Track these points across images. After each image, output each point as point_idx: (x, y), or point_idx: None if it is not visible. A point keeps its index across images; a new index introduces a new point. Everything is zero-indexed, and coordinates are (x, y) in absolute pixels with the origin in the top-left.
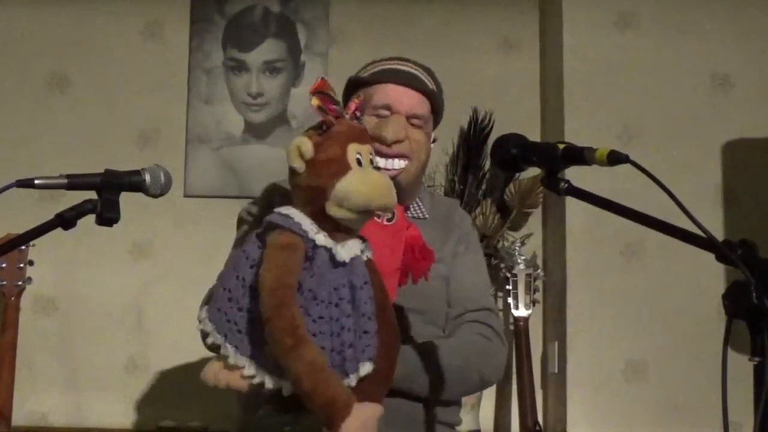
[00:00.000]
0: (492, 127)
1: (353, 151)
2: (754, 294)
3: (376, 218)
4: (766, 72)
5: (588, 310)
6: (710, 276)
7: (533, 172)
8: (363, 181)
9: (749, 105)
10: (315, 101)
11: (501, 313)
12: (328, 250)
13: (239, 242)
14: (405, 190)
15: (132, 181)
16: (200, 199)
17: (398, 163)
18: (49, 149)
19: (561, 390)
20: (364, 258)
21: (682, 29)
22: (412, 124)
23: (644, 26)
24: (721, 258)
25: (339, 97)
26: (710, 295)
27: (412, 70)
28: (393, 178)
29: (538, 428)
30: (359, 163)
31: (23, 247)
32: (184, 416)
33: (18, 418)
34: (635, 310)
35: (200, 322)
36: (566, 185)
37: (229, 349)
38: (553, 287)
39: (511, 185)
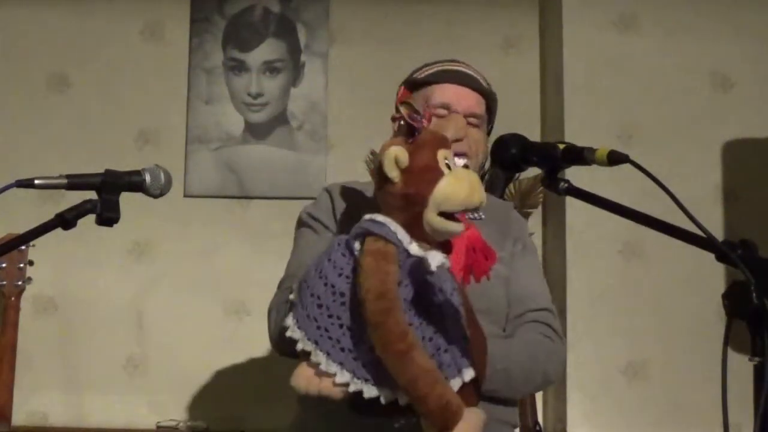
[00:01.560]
0: (492, 127)
1: (443, 156)
2: (754, 294)
3: None
4: (766, 72)
5: (588, 310)
6: (710, 276)
7: (533, 172)
8: (458, 181)
9: (749, 105)
10: (405, 110)
11: None
12: (419, 259)
13: (304, 244)
14: None
15: (132, 181)
16: (200, 199)
17: (459, 162)
18: (49, 149)
19: (561, 390)
20: (448, 264)
21: (682, 29)
22: (470, 123)
23: (644, 26)
24: (721, 258)
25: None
26: (710, 295)
27: (469, 71)
28: None
29: (538, 428)
30: (448, 167)
31: (23, 247)
32: (184, 416)
33: (18, 418)
34: (635, 310)
35: (288, 329)
36: (566, 185)
37: (320, 356)
38: (553, 287)
39: (511, 185)
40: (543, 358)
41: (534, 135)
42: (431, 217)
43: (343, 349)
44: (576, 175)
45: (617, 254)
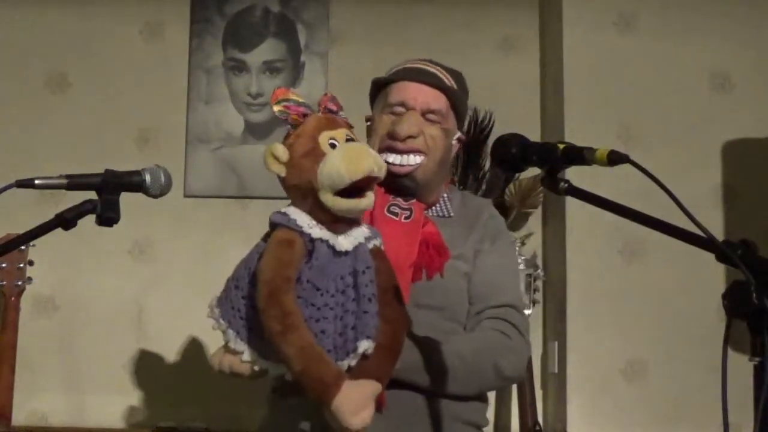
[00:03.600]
0: (492, 127)
1: (326, 138)
2: (754, 294)
3: (393, 216)
4: (766, 72)
5: (588, 310)
6: (710, 276)
7: (533, 172)
8: (340, 157)
9: (749, 105)
10: (277, 108)
11: None
12: (325, 241)
13: None
14: (422, 185)
15: (132, 182)
16: (200, 199)
17: (413, 159)
18: (49, 149)
19: (561, 390)
20: (370, 246)
21: (682, 29)
22: (429, 120)
23: (644, 26)
24: (721, 258)
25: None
26: (710, 295)
27: (428, 68)
28: (408, 174)
29: (538, 428)
30: (333, 146)
31: (23, 247)
32: (184, 416)
33: (18, 418)
34: (635, 310)
35: (209, 309)
36: (566, 185)
37: (230, 335)
38: (553, 287)
39: (511, 185)
40: (494, 354)
41: (534, 135)
42: (327, 199)
43: (251, 329)
44: (576, 175)
45: (617, 254)
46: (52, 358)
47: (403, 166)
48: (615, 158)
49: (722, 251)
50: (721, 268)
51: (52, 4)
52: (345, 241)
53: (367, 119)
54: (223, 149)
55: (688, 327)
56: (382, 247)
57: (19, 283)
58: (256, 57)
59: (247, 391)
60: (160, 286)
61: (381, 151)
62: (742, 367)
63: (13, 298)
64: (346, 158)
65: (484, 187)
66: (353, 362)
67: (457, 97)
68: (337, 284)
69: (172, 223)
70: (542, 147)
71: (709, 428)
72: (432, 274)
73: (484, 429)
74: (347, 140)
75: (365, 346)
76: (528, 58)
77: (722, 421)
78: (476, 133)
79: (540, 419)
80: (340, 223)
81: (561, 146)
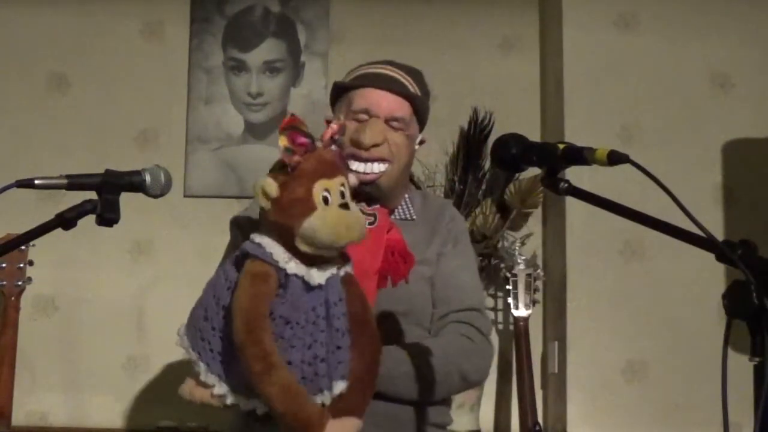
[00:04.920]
0: (492, 127)
1: (320, 188)
2: (754, 294)
3: None
4: (766, 72)
5: (588, 310)
6: (710, 276)
7: (533, 172)
8: (327, 221)
9: (749, 105)
10: (283, 141)
11: (500, 313)
12: (300, 277)
13: (227, 252)
14: (387, 192)
15: (132, 182)
16: (200, 199)
17: (378, 167)
18: (49, 149)
19: (561, 390)
20: (342, 273)
21: (682, 29)
22: (392, 127)
23: (644, 26)
24: (721, 258)
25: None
26: (710, 295)
27: (392, 74)
28: (373, 182)
29: (538, 428)
30: (326, 201)
31: (23, 247)
32: (184, 416)
33: (18, 418)
34: (635, 310)
35: (179, 337)
36: (566, 185)
37: (201, 367)
38: (553, 287)
39: (511, 185)
40: (459, 359)
41: (534, 135)
42: (301, 246)
43: (222, 362)
44: (576, 175)
45: (617, 254)
46: (52, 358)
47: (367, 174)
48: (615, 158)
49: (722, 251)
50: (721, 268)
51: (52, 4)
52: (317, 275)
53: (328, 121)
54: (223, 149)
55: (688, 327)
56: (352, 271)
57: (19, 283)
58: (256, 57)
59: None
60: (160, 285)
61: (345, 157)
62: (742, 367)
63: (13, 298)
64: (331, 229)
65: (484, 187)
66: (327, 401)
67: (420, 104)
68: (308, 316)
69: (172, 223)
70: (542, 147)
71: (709, 428)
72: (397, 281)
73: (449, 428)
74: (341, 194)
75: (340, 387)
76: (528, 58)
77: (722, 421)
78: (476, 133)
79: (540, 419)
80: (315, 257)
81: (561, 146)
